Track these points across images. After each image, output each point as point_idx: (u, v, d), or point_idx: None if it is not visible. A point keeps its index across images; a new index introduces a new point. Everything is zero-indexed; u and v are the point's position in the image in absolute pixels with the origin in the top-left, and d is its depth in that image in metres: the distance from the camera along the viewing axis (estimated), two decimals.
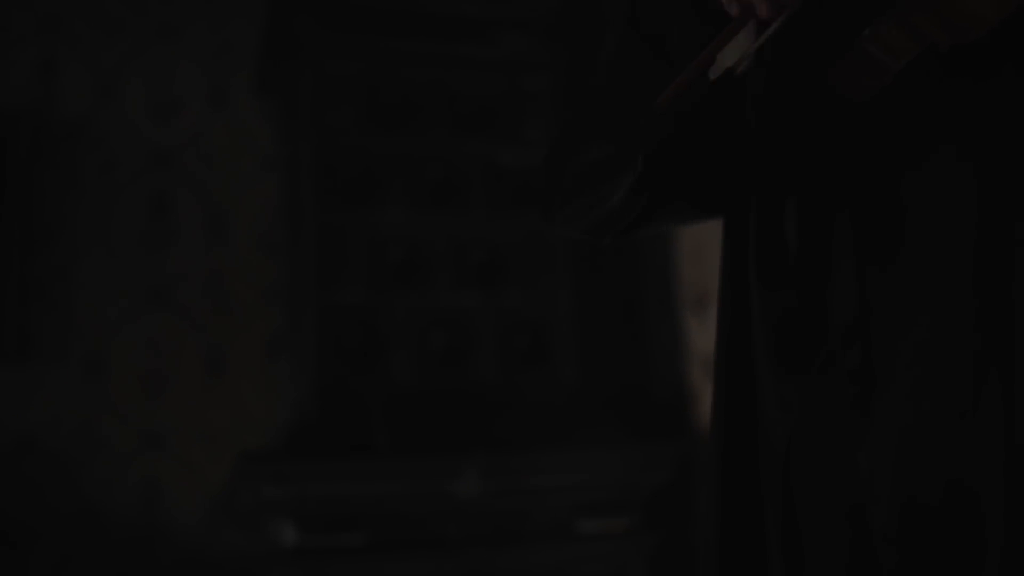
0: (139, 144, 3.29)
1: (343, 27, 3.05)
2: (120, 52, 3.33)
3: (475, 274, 2.98)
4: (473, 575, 2.70)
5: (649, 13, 1.02)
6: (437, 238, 2.97)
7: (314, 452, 2.69)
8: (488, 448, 2.75)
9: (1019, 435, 0.79)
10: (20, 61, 3.24)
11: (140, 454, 3.10)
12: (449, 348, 2.91)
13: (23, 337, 3.07)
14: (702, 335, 2.96)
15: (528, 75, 3.12)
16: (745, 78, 0.90)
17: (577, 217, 1.05)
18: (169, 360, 3.18)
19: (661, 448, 2.90)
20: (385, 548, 2.66)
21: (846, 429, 0.88)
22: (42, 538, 2.97)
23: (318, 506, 2.64)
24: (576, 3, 3.15)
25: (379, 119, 3.03)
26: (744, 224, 1.00)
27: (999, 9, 0.76)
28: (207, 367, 3.20)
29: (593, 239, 1.07)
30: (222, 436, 3.12)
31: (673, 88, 0.82)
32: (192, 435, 3.14)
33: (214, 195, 3.31)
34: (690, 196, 1.04)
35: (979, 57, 0.85)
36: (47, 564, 2.96)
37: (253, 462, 2.71)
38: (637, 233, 1.06)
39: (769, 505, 0.95)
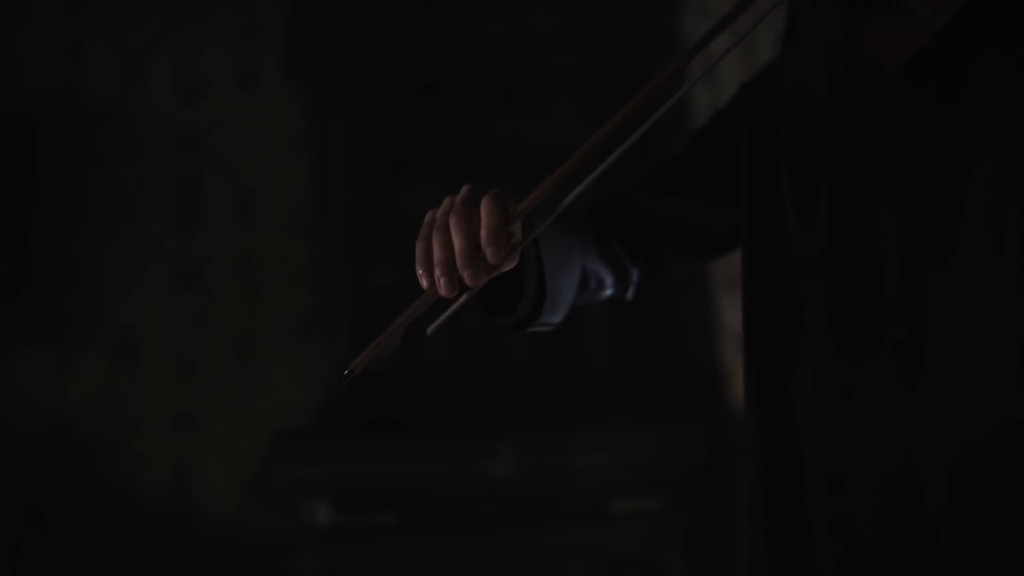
0: (166, 126, 3.28)
1: (371, 6, 3.03)
2: (147, 34, 3.32)
3: None
4: (507, 554, 2.69)
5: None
6: None
7: (347, 432, 2.68)
8: (522, 428, 2.74)
9: None
10: (47, 44, 3.23)
11: (171, 436, 3.10)
12: (481, 327, 2.89)
13: (54, 320, 3.08)
14: (735, 314, 2.92)
15: (558, 52, 3.10)
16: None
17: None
18: (199, 342, 3.18)
19: (694, 428, 2.89)
20: (419, 527, 2.66)
21: (896, 406, 0.87)
22: (74, 520, 2.98)
23: (352, 485, 2.64)
24: None
25: (408, 98, 3.01)
26: (772, 219, 0.99)
27: None
28: (238, 349, 3.20)
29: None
30: (253, 417, 3.12)
31: (369, 352, 0.82)
32: (223, 417, 3.14)
33: (242, 177, 3.31)
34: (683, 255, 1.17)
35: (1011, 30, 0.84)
36: (79, 545, 2.97)
37: (287, 442, 2.71)
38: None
39: (820, 494, 0.93)
